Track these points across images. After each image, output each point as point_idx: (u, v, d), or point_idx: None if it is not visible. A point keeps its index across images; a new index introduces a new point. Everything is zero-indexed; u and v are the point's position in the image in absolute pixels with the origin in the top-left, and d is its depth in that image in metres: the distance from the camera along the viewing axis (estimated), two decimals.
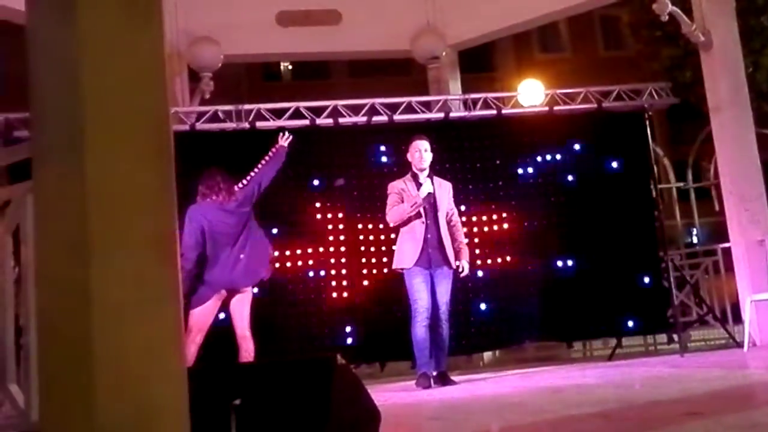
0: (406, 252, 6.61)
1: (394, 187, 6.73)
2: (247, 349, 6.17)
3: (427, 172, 6.71)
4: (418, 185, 6.63)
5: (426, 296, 6.50)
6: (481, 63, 20.36)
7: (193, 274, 6.11)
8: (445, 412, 4.77)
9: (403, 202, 6.62)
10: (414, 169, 6.73)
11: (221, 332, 6.38)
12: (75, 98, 2.61)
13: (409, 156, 6.79)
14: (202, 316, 6.16)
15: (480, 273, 7.96)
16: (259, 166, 6.65)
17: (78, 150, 2.58)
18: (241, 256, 6.25)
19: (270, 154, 6.72)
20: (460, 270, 6.71)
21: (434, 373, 6.53)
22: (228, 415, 3.11)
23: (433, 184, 6.68)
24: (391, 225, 6.75)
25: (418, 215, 6.58)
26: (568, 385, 5.69)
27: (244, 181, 6.54)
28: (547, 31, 23.28)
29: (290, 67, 24.29)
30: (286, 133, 6.90)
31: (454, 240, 6.72)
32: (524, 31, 17.14)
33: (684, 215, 11.13)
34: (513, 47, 23.42)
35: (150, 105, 2.73)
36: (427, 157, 6.71)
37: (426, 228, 6.58)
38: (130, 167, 2.69)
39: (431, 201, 6.64)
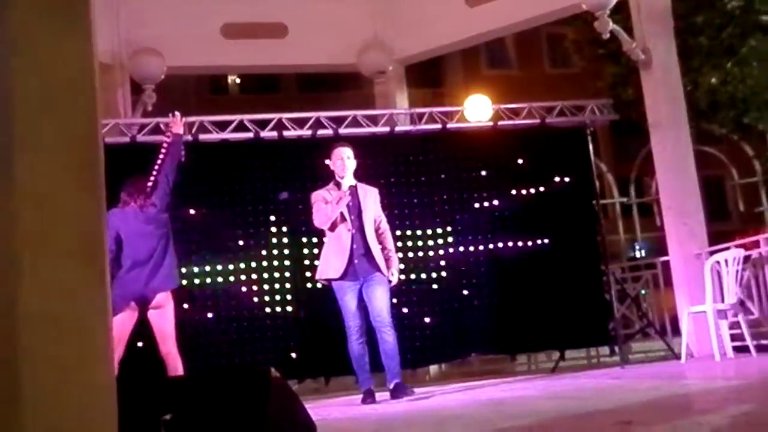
0: (332, 263, 6.41)
1: (318, 195, 6.53)
2: (175, 367, 6.00)
3: (350, 180, 6.48)
4: None
5: (357, 312, 6.34)
6: (429, 78, 20.52)
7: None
8: (385, 426, 4.75)
9: None
10: (337, 178, 6.52)
11: (145, 349, 6.25)
12: (2, 106, 2.56)
13: (331, 164, 6.60)
14: (118, 327, 5.96)
15: (424, 286, 7.98)
16: (159, 161, 6.32)
17: (5, 160, 2.53)
18: (159, 263, 6.10)
19: (164, 146, 6.38)
20: (390, 279, 6.48)
21: (390, 386, 6.29)
22: (158, 430, 3.06)
23: (357, 190, 6.49)
24: (321, 228, 6.52)
25: (343, 219, 6.37)
26: (510, 398, 5.72)
27: (151, 179, 6.27)
28: (495, 47, 23.59)
29: (238, 81, 24.20)
30: (177, 115, 6.52)
31: (383, 248, 6.49)
32: (472, 47, 17.34)
33: (627, 230, 11.33)
34: (461, 63, 23.66)
35: (78, 114, 2.68)
36: (350, 164, 6.49)
37: (352, 237, 6.35)
38: (58, 177, 2.65)
39: (357, 208, 6.43)
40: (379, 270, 6.37)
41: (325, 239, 7.37)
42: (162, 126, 8.06)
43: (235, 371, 5.45)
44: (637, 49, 8.67)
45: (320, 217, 6.45)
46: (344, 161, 6.48)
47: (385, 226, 6.62)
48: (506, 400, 5.59)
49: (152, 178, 6.30)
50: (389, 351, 6.32)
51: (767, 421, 3.31)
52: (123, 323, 6.01)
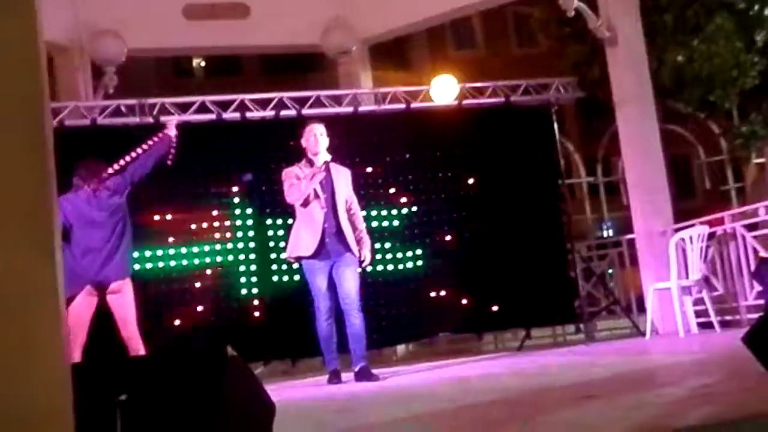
0: (303, 240, 6.30)
1: (290, 172, 6.38)
2: (136, 351, 5.93)
3: (324, 156, 6.34)
4: None
5: (327, 293, 6.25)
6: (394, 59, 20.43)
7: None
8: (352, 404, 4.73)
9: None
10: (309, 155, 6.37)
11: (108, 333, 6.16)
12: None
13: (303, 141, 6.44)
14: (77, 314, 5.87)
15: (390, 266, 7.96)
16: (138, 151, 6.21)
17: None
18: (113, 250, 5.97)
19: (152, 141, 6.28)
20: (362, 260, 6.42)
21: (355, 369, 6.19)
22: (113, 411, 2.99)
23: (330, 168, 6.38)
24: (293, 203, 6.37)
25: (316, 196, 6.24)
26: (475, 375, 5.74)
27: (116, 167, 6.13)
28: (461, 28, 23.50)
29: (202, 63, 23.95)
30: (175, 121, 6.53)
31: (354, 228, 6.40)
32: (438, 28, 17.23)
33: (595, 210, 11.39)
34: (427, 44, 23.55)
35: (22, 97, 2.60)
36: (323, 141, 6.35)
37: (324, 216, 6.24)
38: (3, 160, 2.58)
39: (330, 187, 6.31)
40: (350, 251, 6.28)
41: (290, 221, 7.31)
42: (123, 108, 7.95)
43: (191, 350, 5.38)
44: (602, 27, 8.67)
45: (293, 193, 6.29)
46: (317, 137, 6.34)
47: (356, 208, 6.54)
48: (471, 377, 5.60)
49: (121, 164, 6.15)
50: (356, 334, 6.25)
51: (726, 391, 3.33)
52: (82, 310, 5.93)
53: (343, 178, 6.48)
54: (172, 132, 6.39)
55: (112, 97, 8.96)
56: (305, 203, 6.28)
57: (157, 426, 2.96)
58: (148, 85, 16.05)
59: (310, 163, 6.34)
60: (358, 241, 6.39)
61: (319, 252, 6.23)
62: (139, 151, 6.22)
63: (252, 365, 7.78)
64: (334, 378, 6.24)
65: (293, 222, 7.47)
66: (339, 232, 6.27)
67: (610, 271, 10.14)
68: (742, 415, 2.59)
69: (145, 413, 2.96)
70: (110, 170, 6.15)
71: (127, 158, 6.17)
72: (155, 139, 6.30)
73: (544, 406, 3.48)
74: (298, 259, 6.39)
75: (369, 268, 6.71)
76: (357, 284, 6.31)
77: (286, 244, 7.71)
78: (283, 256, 7.75)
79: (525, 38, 23.93)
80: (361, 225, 6.54)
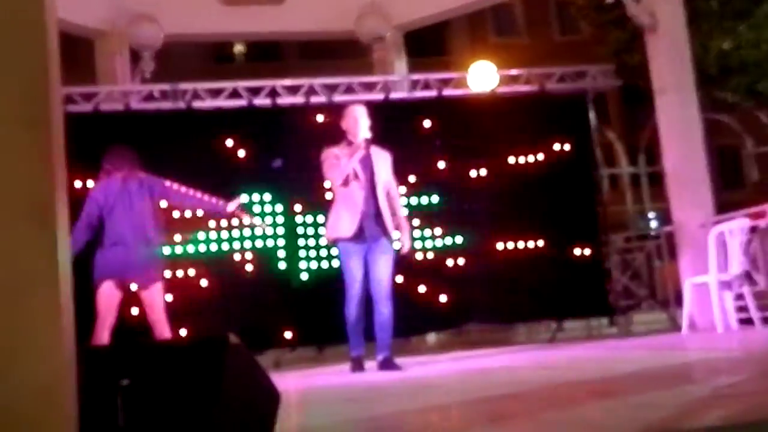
0: (343, 221, 6.12)
1: (330, 152, 6.23)
2: (162, 335, 5.97)
3: (365, 134, 6.16)
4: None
5: (360, 277, 6.06)
6: (435, 47, 20.30)
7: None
8: (364, 394, 4.68)
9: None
10: (349, 137, 6.20)
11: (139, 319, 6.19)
12: None
13: (343, 123, 6.29)
14: (105, 295, 5.93)
15: (419, 255, 7.87)
16: (198, 195, 6.28)
17: None
18: (141, 249, 5.98)
19: (214, 200, 6.33)
20: (400, 246, 6.27)
21: (379, 358, 6.05)
22: (115, 395, 2.99)
23: (371, 150, 6.20)
24: (333, 182, 6.20)
25: (356, 176, 6.09)
26: (497, 367, 5.64)
27: (169, 184, 6.19)
28: (503, 15, 23.25)
29: (243, 50, 24.06)
30: (238, 203, 6.45)
31: (393, 213, 6.23)
32: (479, 15, 17.04)
33: (637, 200, 11.15)
34: (467, 31, 23.37)
35: (23, 74, 2.59)
36: (364, 123, 6.19)
37: (364, 197, 6.08)
38: (3, 138, 2.56)
39: (369, 169, 6.14)
40: (386, 236, 6.13)
41: (319, 208, 7.24)
42: (156, 93, 7.96)
43: (194, 337, 5.36)
44: (642, 12, 8.45)
45: (333, 172, 6.14)
46: (358, 119, 6.21)
47: (395, 192, 6.40)
48: (492, 369, 5.51)
49: (176, 186, 6.22)
50: (383, 323, 6.09)
51: (752, 391, 3.20)
52: (110, 294, 5.97)
53: (383, 161, 6.31)
54: (230, 208, 6.38)
55: (150, 82, 9.01)
56: (345, 183, 6.12)
57: (158, 411, 2.94)
58: (189, 71, 16.13)
59: (350, 145, 6.19)
60: (397, 227, 6.24)
61: (357, 235, 6.07)
62: (198, 195, 6.30)
63: (278, 351, 7.86)
64: (357, 365, 6.11)
65: (330, 206, 7.49)
66: (377, 216, 6.11)
67: (657, 263, 9.90)
68: (764, 418, 2.45)
69: (146, 398, 2.95)
70: (166, 184, 6.20)
71: (184, 189, 6.24)
72: (219, 203, 6.35)
73: (556, 402, 3.39)
74: (336, 240, 6.22)
75: (404, 251, 6.36)
76: (390, 272, 6.15)
77: (314, 230, 7.75)
78: (311, 242, 7.77)
79: (567, 25, 23.61)
80: (401, 210, 6.40)
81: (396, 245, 6.27)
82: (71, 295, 2.70)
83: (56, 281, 2.54)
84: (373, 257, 6.11)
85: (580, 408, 3.10)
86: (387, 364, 6.00)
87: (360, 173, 6.12)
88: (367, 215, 6.08)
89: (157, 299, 6.10)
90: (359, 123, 6.18)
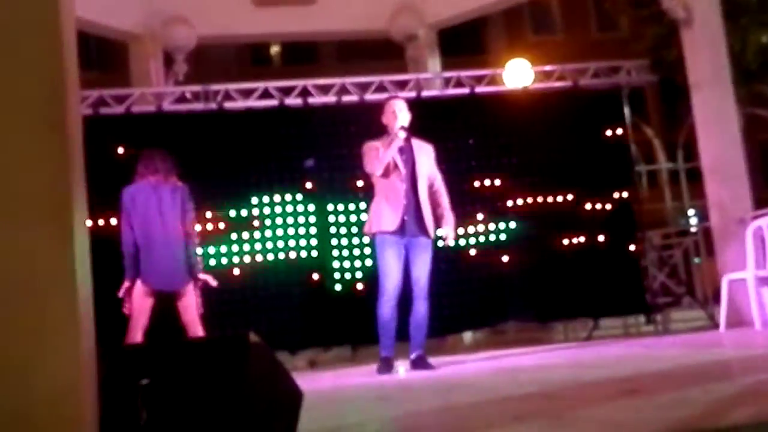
0: (385, 214, 5.96)
1: (371, 145, 6.11)
2: (195, 335, 5.97)
3: (402, 123, 6.07)
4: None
5: (397, 273, 5.90)
6: (472, 46, 20.22)
7: (133, 257, 5.94)
8: (394, 392, 4.68)
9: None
10: (389, 131, 6.10)
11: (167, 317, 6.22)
12: None
13: (383, 118, 6.19)
14: (138, 296, 5.97)
15: (454, 253, 7.82)
16: (192, 241, 6.14)
17: None
18: (173, 255, 5.99)
19: (196, 261, 6.18)
20: (444, 237, 6.10)
21: (412, 357, 5.94)
22: (136, 394, 3.00)
23: (411, 143, 6.09)
24: (374, 172, 6.03)
25: (396, 168, 5.97)
26: (530, 366, 5.59)
27: (190, 211, 6.14)
28: (540, 13, 23.08)
29: (279, 51, 24.18)
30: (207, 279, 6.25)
31: (437, 205, 6.10)
32: (516, 13, 16.90)
33: (676, 197, 10.97)
34: (504, 29, 23.23)
35: (42, 77, 2.61)
36: (403, 116, 6.10)
37: (405, 190, 5.94)
38: (19, 139, 2.58)
39: (410, 161, 6.02)
40: (426, 233, 6.00)
41: (351, 207, 7.19)
42: (188, 95, 8.02)
43: (215, 336, 5.36)
44: (678, 6, 8.32)
45: (373, 162, 6.01)
46: (396, 113, 6.09)
47: (440, 185, 6.23)
48: (526, 368, 5.46)
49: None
50: (419, 322, 5.98)
51: None
52: (143, 295, 6.02)
53: (425, 153, 6.19)
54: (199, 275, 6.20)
55: (186, 84, 9.07)
56: (386, 174, 6.00)
57: (179, 410, 2.95)
58: (225, 74, 16.27)
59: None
60: (441, 218, 6.11)
61: (399, 229, 5.94)
62: (192, 239, 6.18)
63: (311, 351, 7.86)
64: (385, 367, 5.91)
65: (353, 208, 7.48)
66: (417, 211, 5.98)
67: (696, 260, 9.73)
68: None
69: (168, 397, 2.96)
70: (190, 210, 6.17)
71: (190, 225, 6.16)
72: (197, 263, 6.20)
73: (582, 400, 3.34)
74: (376, 234, 6.04)
75: (447, 242, 6.19)
76: (428, 270, 6.02)
77: (347, 230, 7.72)
78: (344, 242, 7.74)
79: (605, 22, 23.33)
80: (446, 202, 6.23)
81: (442, 232, 6.11)
82: (90, 295, 2.71)
83: (74, 281, 2.55)
84: (413, 254, 5.98)
85: (606, 407, 3.05)
86: (420, 363, 5.88)
87: (401, 165, 6.00)
88: (408, 209, 5.96)
89: (188, 302, 6.12)
90: (398, 116, 6.08)
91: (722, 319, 7.62)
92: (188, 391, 2.99)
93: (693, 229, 9.86)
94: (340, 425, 3.41)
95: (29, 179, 2.60)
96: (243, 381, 2.96)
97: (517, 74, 8.78)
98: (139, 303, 6.01)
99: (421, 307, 5.98)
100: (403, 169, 5.99)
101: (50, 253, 2.59)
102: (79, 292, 2.60)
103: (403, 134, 6.02)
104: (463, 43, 17.21)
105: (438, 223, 6.10)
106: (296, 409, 3.22)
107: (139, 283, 5.99)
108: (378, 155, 5.97)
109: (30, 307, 2.54)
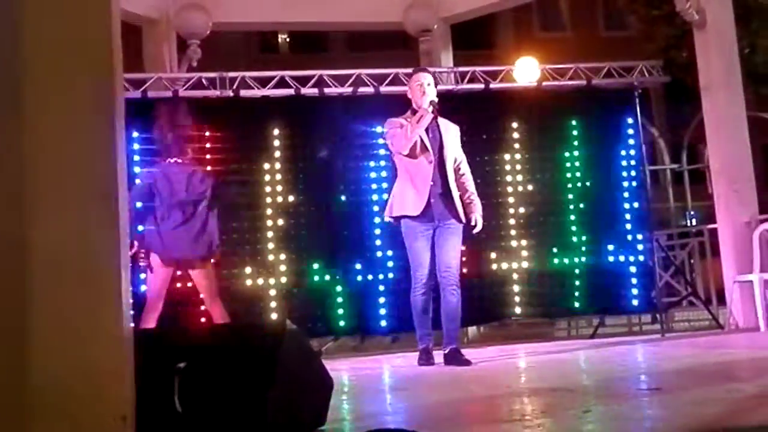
0: (409, 197, 5.64)
1: (394, 122, 5.82)
2: (217, 315, 6.04)
3: (429, 98, 5.74)
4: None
5: (428, 261, 5.60)
6: (480, 40, 20.20)
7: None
8: (414, 383, 4.73)
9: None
10: (414, 106, 5.79)
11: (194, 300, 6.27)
12: (12, 51, 2.54)
13: (409, 92, 5.94)
14: (154, 282, 6.03)
15: (463, 247, 7.86)
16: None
17: (15, 105, 2.51)
18: (196, 233, 6.03)
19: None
20: (473, 224, 5.79)
21: (445, 351, 5.60)
22: (172, 377, 3.05)
23: (438, 123, 5.77)
24: (400, 152, 5.73)
25: (424, 148, 5.62)
26: (545, 361, 5.64)
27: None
28: (548, 9, 23.07)
29: (288, 39, 24.14)
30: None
31: (464, 191, 5.78)
32: (524, 9, 16.88)
33: (679, 198, 11.04)
34: (512, 25, 23.22)
35: (91, 62, 2.65)
36: (430, 91, 5.76)
37: (432, 172, 5.60)
38: (68, 123, 2.62)
39: (438, 141, 5.70)
40: (456, 217, 5.68)
41: (363, 197, 7.15)
42: (204, 81, 8.04)
43: (252, 322, 5.42)
44: (691, 9, 8.35)
45: (398, 140, 5.65)
46: (424, 86, 5.79)
47: (466, 168, 5.93)
48: (542, 363, 5.51)
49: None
50: (451, 312, 5.66)
51: None
52: (158, 279, 6.04)
53: (452, 133, 5.88)
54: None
55: (196, 70, 9.09)
56: (412, 154, 5.67)
57: (213, 394, 3.00)
58: (234, 61, 16.26)
59: (415, 114, 5.77)
60: (468, 204, 5.80)
61: (424, 213, 5.61)
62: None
63: (320, 340, 7.89)
64: (425, 358, 5.62)
65: (366, 200, 7.49)
66: (446, 194, 5.65)
67: (692, 261, 9.82)
68: None
69: (202, 381, 3.01)
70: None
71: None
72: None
73: (607, 397, 3.40)
74: (399, 219, 5.74)
75: (476, 230, 5.98)
76: (459, 256, 5.75)
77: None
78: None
79: (614, 20, 23.34)
80: (472, 187, 5.92)
81: (470, 219, 5.82)
82: (129, 276, 2.77)
83: (119, 263, 2.60)
84: (441, 240, 5.65)
85: (630, 403, 3.11)
86: (454, 357, 5.54)
87: (428, 144, 5.66)
88: (435, 192, 5.62)
89: (205, 280, 6.16)
90: (426, 90, 5.77)
91: (728, 320, 7.69)
92: (223, 375, 3.05)
93: (696, 230, 9.93)
94: (364, 413, 3.47)
95: (84, 162, 2.64)
96: (277, 367, 3.01)
97: (525, 72, 8.80)
98: (153, 285, 6.04)
99: (452, 296, 5.66)
100: (430, 148, 5.67)
101: (101, 234, 2.63)
102: (123, 273, 2.65)
103: (431, 110, 5.72)
104: (472, 38, 17.19)
105: (467, 209, 5.80)
106: (327, 397, 3.29)
107: (155, 260, 6.01)
108: (404, 132, 5.65)
109: (81, 288, 2.58)
